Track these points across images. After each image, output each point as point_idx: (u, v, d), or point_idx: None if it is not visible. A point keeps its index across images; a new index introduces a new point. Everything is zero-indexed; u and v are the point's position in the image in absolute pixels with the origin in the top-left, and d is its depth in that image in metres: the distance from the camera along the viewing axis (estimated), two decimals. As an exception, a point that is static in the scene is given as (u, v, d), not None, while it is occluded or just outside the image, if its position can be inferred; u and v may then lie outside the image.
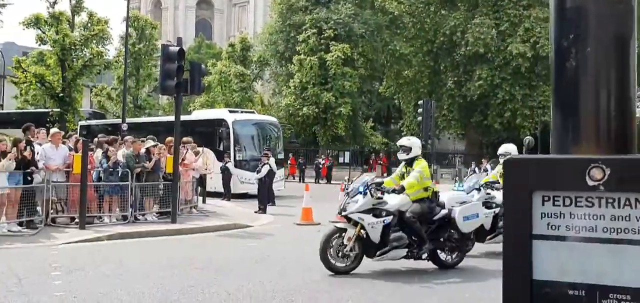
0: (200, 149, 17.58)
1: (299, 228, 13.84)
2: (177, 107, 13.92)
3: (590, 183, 1.14)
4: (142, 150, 13.74)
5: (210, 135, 23.05)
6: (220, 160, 21.69)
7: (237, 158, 22.62)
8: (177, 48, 13.54)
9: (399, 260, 8.59)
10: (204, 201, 17.85)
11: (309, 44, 38.03)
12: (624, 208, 1.14)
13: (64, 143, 12.88)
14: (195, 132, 20.55)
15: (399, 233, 8.36)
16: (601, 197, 1.15)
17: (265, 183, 17.69)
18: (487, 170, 27.73)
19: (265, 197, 17.40)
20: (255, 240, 12.02)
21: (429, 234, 8.58)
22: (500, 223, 10.07)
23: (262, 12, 73.24)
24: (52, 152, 12.25)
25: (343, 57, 37.13)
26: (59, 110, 31.36)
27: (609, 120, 1.25)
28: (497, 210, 10.11)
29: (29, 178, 11.46)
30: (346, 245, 8.22)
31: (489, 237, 10.13)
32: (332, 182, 32.78)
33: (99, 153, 13.18)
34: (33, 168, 11.48)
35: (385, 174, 36.61)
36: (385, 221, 8.25)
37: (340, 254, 8.26)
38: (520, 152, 17.74)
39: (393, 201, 8.45)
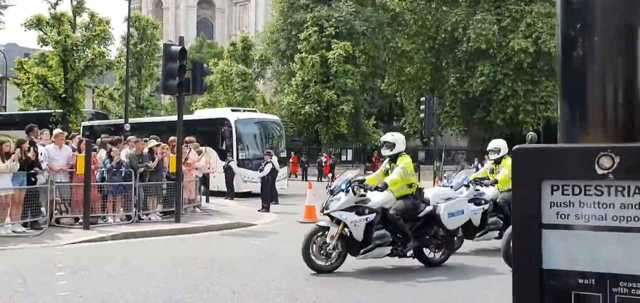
0: (203, 148, 17.60)
1: (302, 227, 13.81)
2: (179, 106, 13.94)
3: (600, 171, 1.14)
4: (145, 150, 13.76)
5: (212, 134, 23.08)
6: (223, 160, 21.72)
7: (240, 157, 22.65)
8: (179, 47, 13.55)
9: (385, 258, 8.50)
10: (207, 200, 17.88)
11: (310, 42, 38.03)
12: (633, 196, 1.14)
13: (67, 144, 12.91)
14: (197, 131, 20.57)
15: (383, 231, 8.24)
16: (610, 185, 1.15)
17: (268, 182, 17.72)
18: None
19: (268, 195, 17.43)
20: (259, 238, 12.03)
21: (413, 231, 8.47)
22: (490, 220, 10.03)
23: (263, 11, 73.24)
24: (55, 152, 12.28)
25: (345, 54, 37.13)
26: (61, 111, 31.42)
27: (616, 109, 1.24)
28: (486, 206, 10.01)
29: (33, 179, 11.48)
30: (329, 244, 8.11)
31: (478, 234, 10.03)
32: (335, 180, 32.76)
33: (102, 153, 13.21)
34: (37, 169, 11.50)
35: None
36: (368, 219, 8.14)
37: (322, 253, 8.14)
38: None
39: (376, 198, 8.34)
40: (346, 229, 8.14)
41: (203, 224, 13.56)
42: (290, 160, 33.63)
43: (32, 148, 11.41)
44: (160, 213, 13.86)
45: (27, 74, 31.97)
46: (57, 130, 13.45)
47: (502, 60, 35.69)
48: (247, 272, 8.24)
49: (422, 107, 28.67)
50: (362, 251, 8.20)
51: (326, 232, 8.17)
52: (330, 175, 33.18)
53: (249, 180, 21.43)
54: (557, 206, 1.18)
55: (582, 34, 1.27)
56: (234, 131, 22.88)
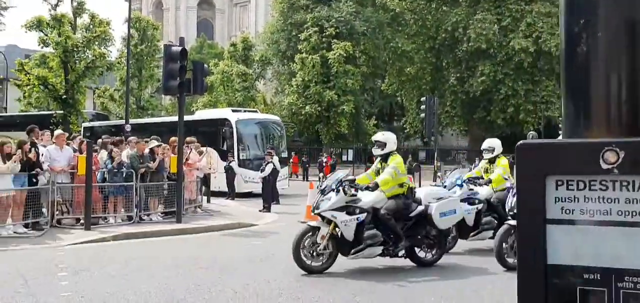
0: (203, 148, 17.60)
1: (303, 227, 13.84)
2: (180, 106, 13.94)
3: (605, 166, 1.14)
4: (146, 151, 13.77)
5: (213, 134, 23.09)
6: (224, 160, 21.72)
7: (241, 157, 22.66)
8: (180, 48, 13.56)
9: (377, 258, 8.43)
10: (208, 201, 17.88)
11: (310, 43, 38.05)
12: (638, 191, 1.14)
13: (68, 144, 12.91)
14: (198, 132, 20.58)
15: (374, 231, 8.16)
16: (615, 180, 1.15)
17: (269, 182, 17.72)
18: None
19: (269, 195, 17.43)
20: (260, 238, 12.03)
21: (405, 231, 8.40)
22: (484, 220, 9.94)
23: (263, 12, 73.26)
24: (56, 153, 12.29)
25: (345, 55, 37.13)
26: (62, 112, 31.44)
27: (620, 104, 1.24)
28: (480, 206, 9.93)
29: (34, 180, 11.49)
30: (319, 244, 8.04)
31: (472, 234, 9.95)
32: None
33: (103, 154, 13.22)
34: (38, 170, 11.51)
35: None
36: (359, 219, 8.07)
37: (313, 253, 8.06)
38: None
39: (367, 198, 8.28)
40: (337, 229, 8.07)
41: (204, 224, 13.57)
42: (291, 161, 33.64)
43: (33, 149, 11.42)
44: (162, 213, 13.86)
45: (27, 75, 32.00)
46: (58, 131, 13.45)
47: (503, 59, 35.70)
48: (249, 272, 8.24)
49: (423, 107, 28.69)
50: (353, 251, 8.13)
51: (317, 232, 8.08)
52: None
53: (250, 180, 21.43)
54: (561, 201, 1.19)
55: (586, 30, 1.27)
56: (235, 131, 22.89)
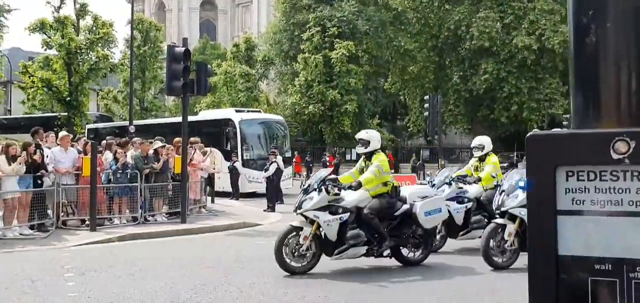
0: (207, 149, 17.61)
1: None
2: (184, 107, 13.96)
3: (615, 156, 1.14)
4: (150, 152, 13.79)
5: (217, 135, 23.10)
6: (228, 160, 21.74)
7: (245, 157, 22.66)
8: (183, 49, 13.57)
9: (363, 258, 8.31)
10: (212, 201, 17.90)
11: (313, 42, 38.01)
12: (649, 180, 1.14)
13: (72, 146, 12.94)
14: (202, 132, 20.59)
15: (357, 230, 8.03)
16: (626, 170, 1.15)
17: (273, 182, 17.73)
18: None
19: (273, 195, 17.44)
20: (265, 238, 12.02)
21: (390, 230, 8.27)
22: (473, 219, 9.83)
23: (266, 12, 73.27)
24: (61, 155, 12.32)
25: (347, 54, 37.08)
26: (66, 114, 31.49)
27: (629, 95, 1.24)
28: (469, 205, 9.82)
29: (39, 181, 11.52)
30: (302, 245, 7.91)
31: (461, 233, 9.83)
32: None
33: (108, 155, 13.24)
34: (43, 171, 11.54)
35: (392, 170, 36.58)
36: (341, 218, 7.94)
37: (296, 254, 7.93)
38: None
39: (350, 197, 8.15)
40: (320, 229, 7.94)
41: (209, 224, 13.59)
42: (294, 160, 33.64)
43: (38, 151, 11.45)
44: (166, 214, 13.88)
45: (31, 77, 32.05)
46: (62, 133, 13.49)
47: (506, 57, 35.63)
48: (254, 271, 8.24)
49: (426, 105, 28.65)
50: (336, 251, 7.99)
51: (300, 232, 7.95)
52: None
53: (253, 180, 21.44)
54: (572, 192, 1.19)
55: (595, 20, 1.27)
56: (239, 131, 22.90)
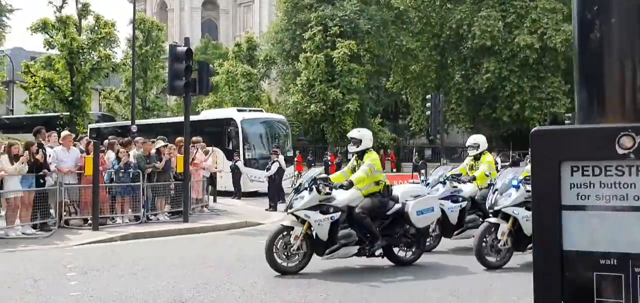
0: (209, 148, 17.63)
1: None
2: (186, 106, 13.97)
3: (620, 151, 1.14)
4: (153, 151, 13.80)
5: (219, 134, 23.11)
6: (230, 159, 21.75)
7: (247, 156, 22.67)
8: (185, 48, 13.58)
9: (356, 258, 8.25)
10: (214, 200, 17.91)
11: (315, 42, 37.99)
12: (655, 175, 1.14)
13: (75, 145, 12.96)
14: (204, 132, 20.60)
15: (348, 230, 7.96)
16: (631, 165, 1.15)
17: (275, 181, 17.73)
18: (497, 163, 27.48)
19: (275, 194, 17.44)
20: (267, 237, 12.02)
21: (382, 230, 8.21)
22: (468, 218, 9.72)
23: (267, 11, 73.27)
24: (63, 154, 12.34)
25: (349, 53, 37.05)
26: (68, 113, 31.54)
27: (634, 90, 1.24)
28: (463, 204, 9.73)
29: (42, 181, 11.54)
30: (293, 244, 7.86)
31: (456, 233, 9.74)
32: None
33: (110, 154, 13.26)
34: (45, 171, 11.56)
35: (394, 170, 36.61)
36: (333, 218, 7.87)
37: (287, 254, 7.89)
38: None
39: (342, 197, 8.09)
40: (311, 229, 7.88)
41: (211, 224, 13.60)
42: (295, 159, 33.64)
43: (40, 150, 11.46)
44: (168, 213, 13.90)
45: (33, 77, 32.10)
46: (65, 133, 13.51)
47: (508, 56, 35.56)
48: (256, 270, 8.24)
49: (428, 104, 28.61)
50: (327, 251, 7.92)
51: (291, 232, 7.90)
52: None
53: (255, 179, 21.45)
54: (577, 187, 1.19)
55: (599, 16, 1.27)
56: (241, 131, 22.92)
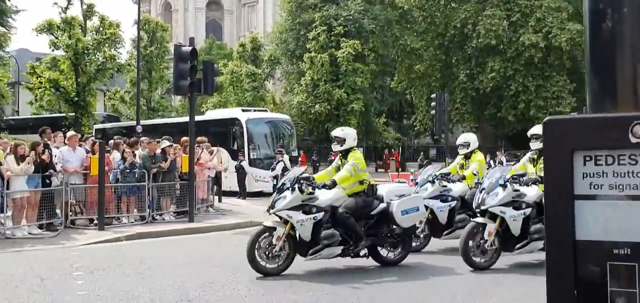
0: (214, 148, 17.65)
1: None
2: (191, 106, 13.99)
3: (634, 140, 1.13)
4: (158, 151, 13.83)
5: (223, 134, 23.15)
6: (235, 159, 21.77)
7: (252, 156, 22.69)
8: (190, 48, 13.59)
9: (338, 258, 8.12)
10: (219, 200, 17.93)
11: (319, 42, 38.00)
12: (669, 164, 1.13)
13: (80, 146, 13.00)
14: (208, 132, 20.63)
15: (331, 230, 7.80)
16: (645, 154, 1.14)
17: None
18: (502, 163, 27.42)
19: (280, 194, 17.42)
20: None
21: (367, 230, 8.08)
22: (458, 217, 9.53)
23: (272, 12, 73.33)
24: (69, 154, 12.37)
25: (354, 53, 37.05)
26: (73, 114, 31.68)
27: (647, 80, 1.23)
28: (453, 203, 9.58)
29: (48, 181, 11.57)
30: (275, 245, 7.72)
31: (445, 232, 9.59)
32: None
33: (116, 154, 13.29)
34: (51, 171, 11.59)
35: (399, 169, 36.57)
36: (315, 218, 7.72)
37: (269, 255, 7.73)
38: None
39: (325, 196, 7.91)
40: (294, 229, 7.76)
41: (216, 223, 13.61)
42: (299, 159, 33.63)
43: (46, 150, 11.50)
44: (174, 213, 13.92)
45: (39, 78, 32.27)
46: (70, 133, 13.55)
47: (513, 55, 35.47)
48: (262, 269, 8.24)
49: (433, 104, 28.57)
50: (311, 252, 7.79)
51: (273, 233, 7.77)
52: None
53: (260, 179, 21.46)
54: (589, 177, 1.18)
55: (611, 6, 1.26)
56: (245, 131, 22.94)
